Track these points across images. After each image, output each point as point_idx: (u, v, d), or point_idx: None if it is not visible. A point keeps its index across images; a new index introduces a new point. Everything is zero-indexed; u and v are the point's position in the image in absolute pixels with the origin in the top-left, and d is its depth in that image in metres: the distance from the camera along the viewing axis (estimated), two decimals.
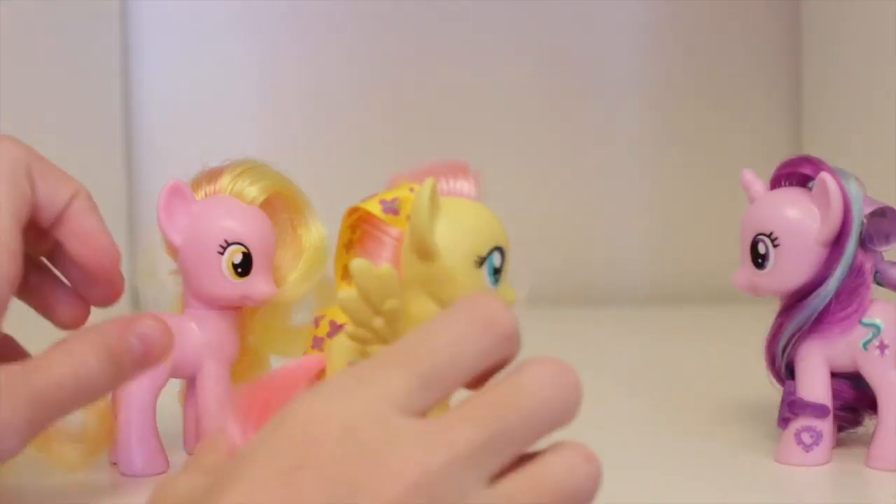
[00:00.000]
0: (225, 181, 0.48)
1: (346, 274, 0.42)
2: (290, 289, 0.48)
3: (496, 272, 0.40)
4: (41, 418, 0.35)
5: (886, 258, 0.46)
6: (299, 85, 0.97)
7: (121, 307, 0.94)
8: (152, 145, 0.97)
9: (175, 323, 0.47)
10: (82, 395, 0.35)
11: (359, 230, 0.42)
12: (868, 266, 0.45)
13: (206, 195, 0.48)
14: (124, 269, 1.04)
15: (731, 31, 0.98)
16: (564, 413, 0.27)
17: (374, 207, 0.41)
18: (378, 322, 0.39)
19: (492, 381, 0.28)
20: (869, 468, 0.45)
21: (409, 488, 0.25)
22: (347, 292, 0.38)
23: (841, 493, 0.44)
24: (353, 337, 0.39)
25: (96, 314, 0.87)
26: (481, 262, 0.40)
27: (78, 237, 0.43)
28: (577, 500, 0.27)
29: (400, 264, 0.40)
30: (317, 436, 0.26)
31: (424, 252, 0.39)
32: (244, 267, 0.46)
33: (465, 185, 0.42)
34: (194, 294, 0.48)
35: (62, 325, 0.45)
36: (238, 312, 0.49)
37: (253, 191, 0.47)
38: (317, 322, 0.43)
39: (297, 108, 0.98)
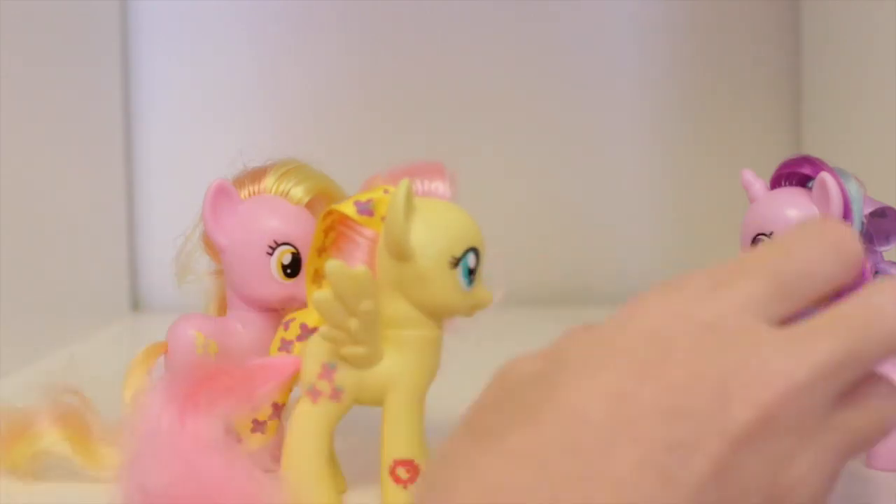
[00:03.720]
0: (270, 181, 0.47)
1: (316, 277, 0.42)
2: None
3: (471, 273, 0.40)
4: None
5: (887, 258, 0.46)
6: (300, 85, 0.97)
7: (121, 309, 0.95)
8: (152, 145, 0.97)
9: (220, 325, 0.47)
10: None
11: (332, 233, 0.42)
12: (868, 266, 0.45)
13: (249, 195, 0.47)
14: (125, 270, 1.04)
15: (731, 30, 0.98)
16: None
17: (349, 209, 0.41)
18: (353, 323, 0.39)
19: (841, 301, 0.27)
20: (869, 468, 0.45)
21: (778, 398, 0.25)
22: (322, 293, 0.38)
23: (841, 493, 0.44)
24: (327, 338, 0.40)
25: (94, 317, 0.87)
26: (456, 262, 0.40)
27: None
28: None
29: (375, 265, 0.41)
30: (676, 332, 0.25)
31: (399, 253, 0.39)
32: (293, 268, 0.45)
33: (440, 186, 0.42)
34: (240, 295, 0.47)
35: None
36: (280, 314, 0.48)
37: (299, 191, 0.47)
38: (286, 325, 0.43)
39: (298, 109, 0.97)
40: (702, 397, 0.24)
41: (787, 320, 0.27)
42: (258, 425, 0.44)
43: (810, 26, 0.94)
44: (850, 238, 0.28)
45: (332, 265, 0.38)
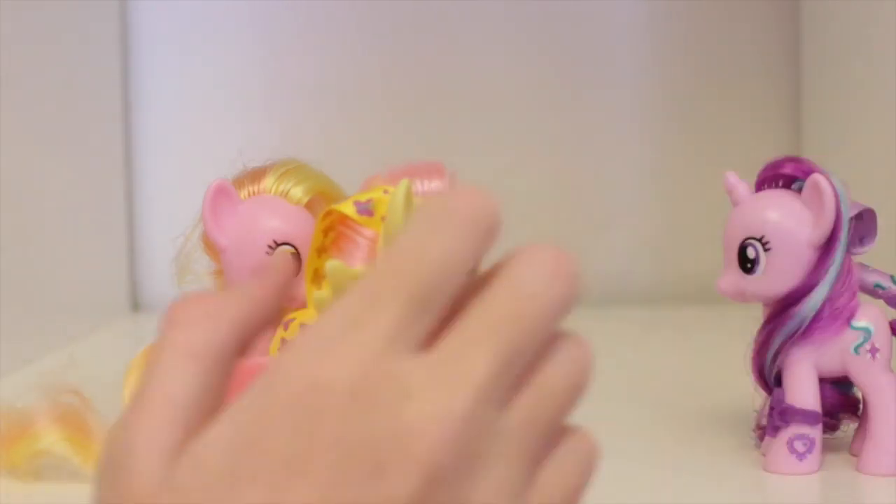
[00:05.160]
0: (269, 181, 0.47)
1: (316, 277, 0.43)
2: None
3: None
4: None
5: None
6: (299, 85, 0.98)
7: (121, 309, 0.95)
8: (152, 145, 0.97)
9: None
10: None
11: (332, 233, 0.42)
12: (853, 268, 0.44)
13: (249, 195, 0.48)
14: (125, 270, 1.04)
15: (730, 30, 0.98)
16: (565, 309, 0.25)
17: (349, 209, 0.41)
18: None
19: (482, 284, 0.25)
20: (861, 473, 0.45)
21: (438, 445, 0.22)
22: (322, 293, 0.39)
23: (835, 498, 0.44)
24: None
25: (94, 317, 0.87)
26: None
27: None
28: (579, 393, 0.26)
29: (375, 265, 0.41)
30: (322, 408, 0.22)
31: None
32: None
33: (440, 186, 0.42)
34: None
35: None
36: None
37: (298, 191, 0.47)
38: (286, 325, 0.44)
39: (298, 108, 0.98)
40: (356, 485, 0.22)
41: (436, 328, 0.24)
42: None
43: (810, 25, 0.94)
44: (485, 203, 0.25)
45: (331, 265, 0.38)
